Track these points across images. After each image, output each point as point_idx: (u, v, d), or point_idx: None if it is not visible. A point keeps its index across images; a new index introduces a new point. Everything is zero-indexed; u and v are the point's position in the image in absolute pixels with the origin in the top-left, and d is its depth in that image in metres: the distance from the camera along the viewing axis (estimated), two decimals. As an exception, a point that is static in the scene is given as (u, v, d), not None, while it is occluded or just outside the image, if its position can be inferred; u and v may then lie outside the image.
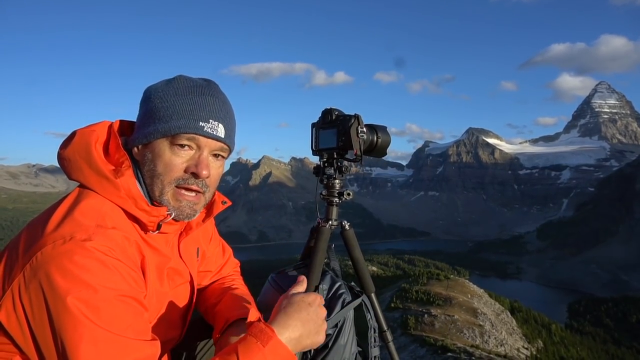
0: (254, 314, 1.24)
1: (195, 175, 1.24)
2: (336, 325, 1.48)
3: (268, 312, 1.30)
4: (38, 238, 1.06)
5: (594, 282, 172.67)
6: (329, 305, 1.50)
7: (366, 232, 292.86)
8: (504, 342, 45.05)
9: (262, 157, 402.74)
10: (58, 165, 1.25)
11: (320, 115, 1.66)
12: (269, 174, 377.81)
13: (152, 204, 1.25)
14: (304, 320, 1.21)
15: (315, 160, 1.72)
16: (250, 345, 1.10)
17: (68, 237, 1.05)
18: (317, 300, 1.28)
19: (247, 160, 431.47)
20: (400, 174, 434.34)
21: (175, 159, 1.23)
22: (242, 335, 1.16)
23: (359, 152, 1.55)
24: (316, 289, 1.52)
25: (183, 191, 1.25)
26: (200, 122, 1.22)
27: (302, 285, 1.35)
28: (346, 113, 1.62)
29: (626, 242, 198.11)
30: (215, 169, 1.30)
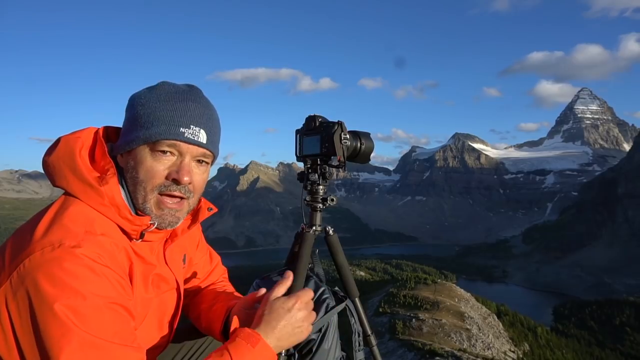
0: (235, 322, 1.32)
1: (177, 182, 1.23)
2: (320, 330, 1.49)
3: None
4: (26, 245, 1.05)
5: (579, 285, 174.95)
6: (313, 310, 1.50)
7: (354, 237, 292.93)
8: (490, 345, 45.32)
9: (250, 163, 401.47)
10: (41, 171, 1.25)
11: (304, 121, 1.67)
12: (257, 179, 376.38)
13: (136, 213, 1.25)
14: (282, 326, 1.28)
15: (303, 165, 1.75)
16: (241, 346, 1.18)
17: (57, 244, 1.04)
18: (296, 305, 1.33)
19: (234, 165, 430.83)
20: (387, 179, 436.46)
21: (156, 165, 1.22)
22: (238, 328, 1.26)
23: (342, 159, 1.56)
24: None
25: (166, 198, 1.25)
26: (181, 128, 1.22)
27: (281, 288, 1.38)
28: (330, 120, 1.63)
29: (609, 245, 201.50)
30: (198, 175, 1.29)
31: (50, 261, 1.01)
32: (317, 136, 1.60)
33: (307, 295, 1.38)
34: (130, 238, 1.26)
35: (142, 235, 1.27)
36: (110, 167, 1.21)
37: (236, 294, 1.67)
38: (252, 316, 1.34)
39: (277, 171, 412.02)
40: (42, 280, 0.99)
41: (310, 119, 1.64)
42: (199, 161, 1.29)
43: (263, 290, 1.41)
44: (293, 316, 1.31)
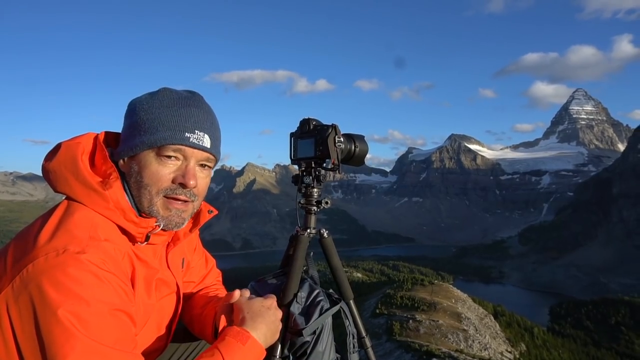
0: (223, 321, 1.36)
1: (183, 186, 1.25)
2: (314, 332, 1.49)
3: None
4: (29, 250, 1.05)
5: (575, 285, 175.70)
6: (307, 313, 1.52)
7: (351, 238, 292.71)
8: (487, 346, 45.44)
9: (246, 164, 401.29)
10: (36, 173, 1.56)
11: (298, 125, 1.68)
12: (253, 181, 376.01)
13: (140, 216, 1.27)
14: (267, 322, 1.35)
15: (300, 167, 1.83)
16: (231, 345, 1.22)
17: (61, 250, 1.04)
18: (273, 304, 1.42)
19: (230, 167, 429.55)
20: (384, 180, 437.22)
21: (162, 170, 1.24)
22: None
23: (336, 161, 1.57)
24: (295, 297, 1.55)
25: (172, 200, 1.27)
26: (186, 133, 1.24)
27: (246, 293, 1.47)
28: (324, 123, 1.64)
29: (604, 245, 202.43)
30: (202, 179, 1.32)
31: (54, 267, 1.01)
32: (312, 139, 1.61)
33: (275, 298, 1.47)
34: (134, 242, 1.27)
35: (147, 238, 1.28)
36: (113, 171, 1.23)
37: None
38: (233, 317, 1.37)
39: (274, 173, 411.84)
40: (46, 286, 0.99)
41: (305, 122, 1.65)
42: (202, 165, 1.32)
43: (237, 294, 1.42)
44: (273, 314, 1.38)
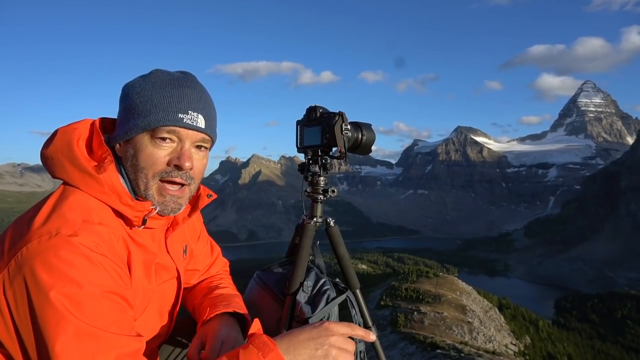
0: (256, 326, 1.29)
1: (179, 168, 1.23)
2: (321, 321, 1.44)
3: (253, 308, 1.37)
4: (24, 234, 1.07)
5: (580, 278, 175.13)
6: (314, 302, 1.51)
7: (356, 230, 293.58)
8: (492, 338, 45.40)
9: (252, 156, 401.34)
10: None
11: (305, 112, 1.66)
12: (259, 172, 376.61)
13: (136, 199, 1.25)
14: (305, 339, 1.14)
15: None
16: (252, 354, 1.10)
17: (54, 233, 1.05)
18: (328, 341, 1.14)
19: (236, 158, 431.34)
20: (389, 172, 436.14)
21: (157, 152, 1.22)
22: (227, 328, 1.28)
23: (343, 150, 1.54)
24: (301, 286, 1.52)
25: (167, 185, 1.25)
26: (179, 114, 1.22)
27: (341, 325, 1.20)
28: (331, 110, 1.61)
29: (611, 239, 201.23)
30: (198, 161, 1.30)
31: (46, 249, 1.01)
32: (318, 127, 1.58)
33: (350, 326, 1.21)
34: (130, 226, 1.26)
35: (144, 222, 1.26)
36: (107, 155, 1.21)
37: (232, 288, 1.66)
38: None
39: (279, 164, 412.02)
40: (38, 269, 0.99)
41: (311, 110, 1.62)
42: (198, 146, 1.29)
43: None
44: (324, 353, 1.13)
